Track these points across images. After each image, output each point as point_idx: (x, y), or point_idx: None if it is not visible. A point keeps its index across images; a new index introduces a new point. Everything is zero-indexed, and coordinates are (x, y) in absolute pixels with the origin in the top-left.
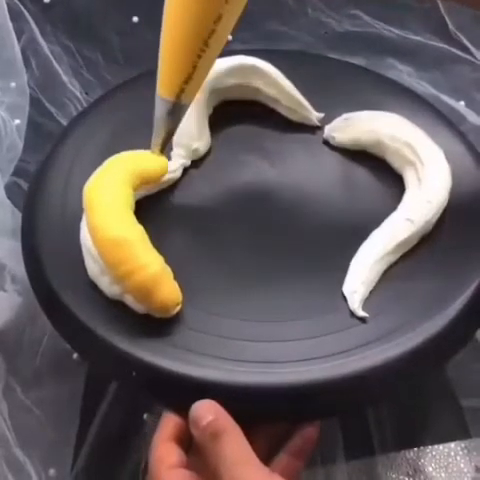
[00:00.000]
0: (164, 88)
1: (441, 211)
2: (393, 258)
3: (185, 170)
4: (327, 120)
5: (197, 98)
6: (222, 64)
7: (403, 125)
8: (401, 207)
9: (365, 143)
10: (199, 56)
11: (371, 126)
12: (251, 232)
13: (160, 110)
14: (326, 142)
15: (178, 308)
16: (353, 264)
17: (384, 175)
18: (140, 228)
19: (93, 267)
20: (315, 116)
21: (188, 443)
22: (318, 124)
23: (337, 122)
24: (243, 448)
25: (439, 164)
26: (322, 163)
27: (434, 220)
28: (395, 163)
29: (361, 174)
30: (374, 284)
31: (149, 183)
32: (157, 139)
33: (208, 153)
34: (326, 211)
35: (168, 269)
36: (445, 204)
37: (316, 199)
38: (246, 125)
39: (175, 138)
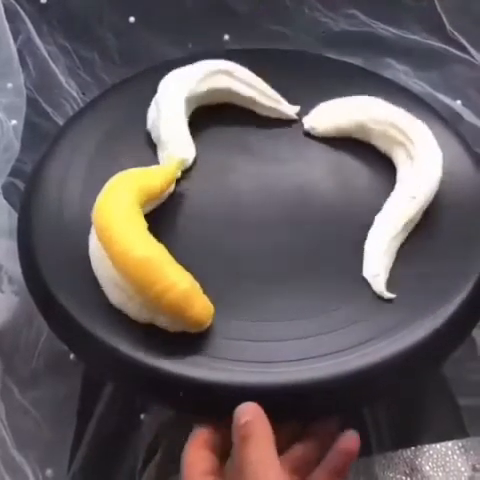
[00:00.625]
0: None
1: (438, 184)
2: (402, 236)
3: (177, 181)
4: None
5: (174, 108)
6: (195, 71)
7: (382, 107)
8: (400, 186)
9: (348, 129)
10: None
11: (351, 112)
12: (254, 233)
13: None
14: (308, 134)
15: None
16: (368, 248)
17: (371, 159)
18: (161, 246)
19: (118, 295)
20: (292, 110)
21: (222, 452)
22: (296, 117)
23: (314, 112)
24: (269, 453)
25: (428, 139)
26: (310, 155)
27: (433, 195)
28: (382, 145)
29: (350, 161)
30: (391, 264)
31: (155, 199)
32: None
33: (195, 161)
34: (324, 204)
35: (197, 283)
36: (441, 176)
37: (312, 192)
38: (226, 128)
39: (161, 153)
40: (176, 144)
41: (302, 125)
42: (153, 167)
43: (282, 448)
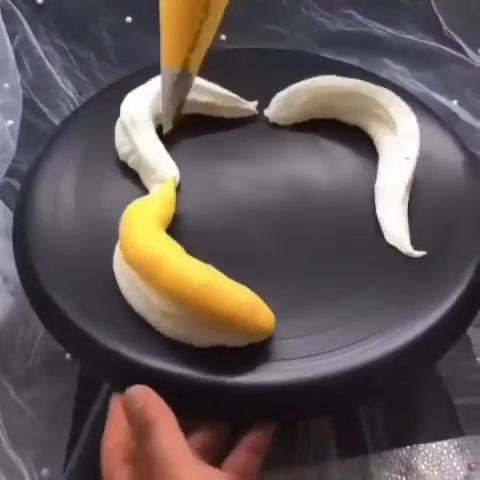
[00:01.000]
0: (169, 57)
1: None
2: (407, 199)
3: None
4: None
5: (146, 130)
6: (150, 89)
7: (341, 81)
8: (389, 151)
9: (313, 110)
10: (201, 22)
11: (311, 92)
12: (262, 232)
13: (167, 80)
14: (275, 125)
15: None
16: (383, 216)
17: (344, 133)
18: (209, 266)
19: (171, 327)
20: (252, 105)
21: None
22: (257, 111)
23: (274, 103)
24: (175, 437)
25: (395, 101)
26: (288, 145)
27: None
28: (351, 118)
29: (326, 141)
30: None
31: (167, 225)
32: (169, 111)
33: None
34: (321, 190)
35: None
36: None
37: (305, 180)
38: (195, 138)
39: (148, 177)
40: (163, 165)
41: (267, 119)
42: (154, 194)
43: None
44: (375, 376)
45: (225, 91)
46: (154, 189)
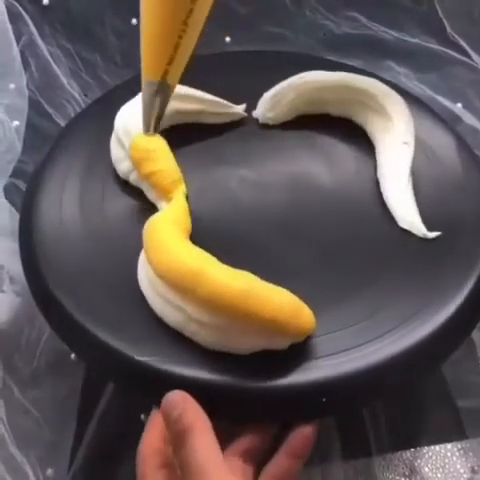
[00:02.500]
0: (149, 71)
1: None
2: (411, 183)
3: None
4: None
5: None
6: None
7: (327, 74)
8: (384, 139)
9: (303, 106)
10: (180, 36)
11: (299, 89)
12: (268, 235)
13: (147, 93)
14: (266, 125)
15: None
16: (393, 201)
17: (336, 126)
18: (243, 271)
19: (210, 337)
20: (240, 109)
21: None
22: (245, 114)
23: (262, 103)
24: (210, 447)
25: (385, 90)
26: (282, 144)
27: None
28: (342, 110)
29: (320, 136)
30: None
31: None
32: (149, 119)
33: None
34: (324, 186)
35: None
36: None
37: (307, 178)
38: (190, 146)
39: (151, 194)
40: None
41: (256, 120)
42: (171, 207)
43: (229, 434)
44: (379, 379)
45: (212, 97)
46: (162, 203)
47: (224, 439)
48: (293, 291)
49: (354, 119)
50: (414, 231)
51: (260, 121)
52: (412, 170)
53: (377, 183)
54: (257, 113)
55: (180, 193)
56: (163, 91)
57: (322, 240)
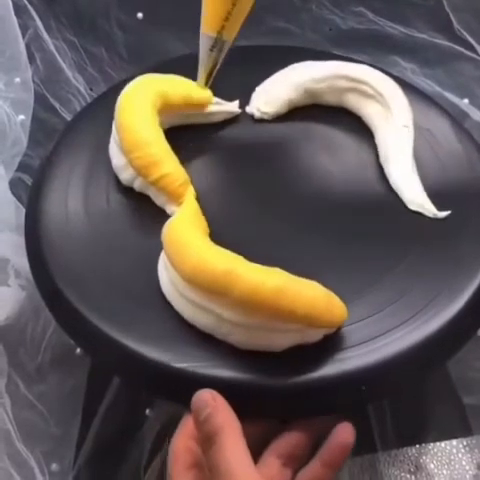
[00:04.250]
0: (206, 25)
1: None
2: (415, 166)
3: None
4: None
5: None
6: None
7: (316, 65)
8: (383, 124)
9: (296, 98)
10: None
11: (290, 81)
12: (280, 232)
13: (204, 45)
14: (262, 120)
15: None
16: (400, 184)
17: (331, 115)
18: (272, 267)
19: (244, 337)
20: (233, 106)
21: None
22: (240, 111)
23: (255, 98)
24: (239, 448)
25: (377, 75)
26: (284, 138)
27: None
28: (337, 100)
29: (318, 128)
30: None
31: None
32: (202, 72)
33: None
34: (332, 177)
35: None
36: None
37: (314, 169)
38: (187, 148)
39: (159, 200)
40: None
41: (250, 116)
42: (183, 210)
43: (265, 438)
44: (386, 376)
45: None
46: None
47: (260, 440)
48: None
49: (349, 107)
50: (425, 212)
51: (255, 117)
52: (415, 155)
53: (381, 168)
54: (251, 108)
55: (190, 194)
56: (218, 46)
57: (337, 230)
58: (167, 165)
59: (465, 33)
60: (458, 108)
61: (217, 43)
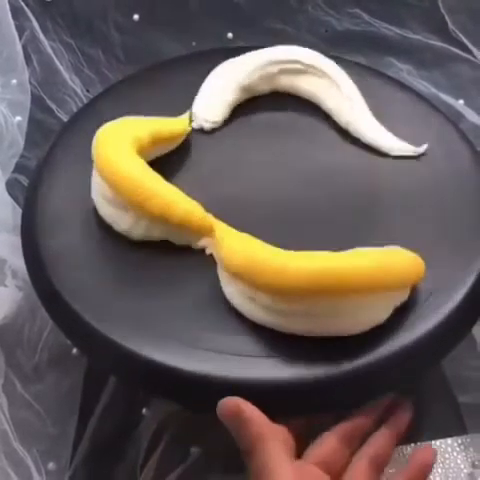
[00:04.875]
0: None
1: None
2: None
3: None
4: None
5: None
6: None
7: (241, 61)
8: (329, 89)
9: (237, 98)
10: None
11: (229, 83)
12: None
13: None
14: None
15: None
16: (371, 139)
17: (282, 103)
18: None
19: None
20: (185, 123)
21: None
22: (189, 128)
23: (199, 110)
24: (281, 458)
25: (300, 49)
26: (248, 139)
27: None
28: (271, 86)
29: (280, 116)
30: None
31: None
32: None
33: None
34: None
35: None
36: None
37: (292, 165)
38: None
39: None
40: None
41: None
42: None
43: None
44: (379, 376)
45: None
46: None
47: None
48: None
49: (285, 90)
50: (407, 153)
51: (205, 129)
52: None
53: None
54: (199, 122)
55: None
56: None
57: (339, 213)
58: (164, 190)
59: (460, 34)
60: (453, 109)
61: None
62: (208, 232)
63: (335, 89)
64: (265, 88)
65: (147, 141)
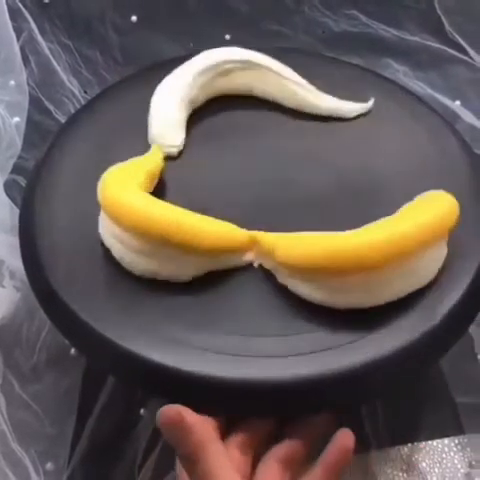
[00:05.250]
0: None
1: None
2: None
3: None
4: None
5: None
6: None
7: (176, 76)
8: (265, 76)
9: (186, 115)
10: None
11: (176, 102)
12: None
13: None
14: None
15: None
16: (330, 106)
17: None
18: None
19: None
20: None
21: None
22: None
23: (158, 136)
24: (222, 461)
25: (225, 49)
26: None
27: None
28: (209, 93)
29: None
30: None
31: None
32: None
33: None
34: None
35: None
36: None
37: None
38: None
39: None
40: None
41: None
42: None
43: (260, 447)
44: (376, 375)
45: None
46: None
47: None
48: None
49: (225, 93)
50: (365, 110)
51: (169, 154)
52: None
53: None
54: (166, 150)
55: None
56: None
57: (338, 196)
58: (181, 216)
59: (457, 35)
60: (450, 110)
61: None
62: (250, 246)
63: (274, 77)
64: (202, 97)
65: (146, 185)
